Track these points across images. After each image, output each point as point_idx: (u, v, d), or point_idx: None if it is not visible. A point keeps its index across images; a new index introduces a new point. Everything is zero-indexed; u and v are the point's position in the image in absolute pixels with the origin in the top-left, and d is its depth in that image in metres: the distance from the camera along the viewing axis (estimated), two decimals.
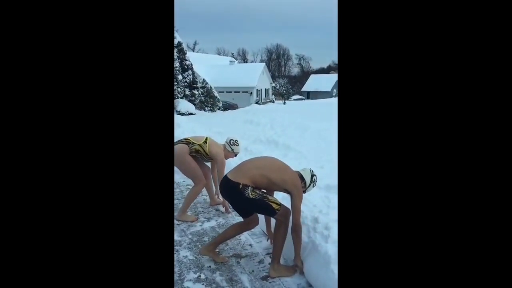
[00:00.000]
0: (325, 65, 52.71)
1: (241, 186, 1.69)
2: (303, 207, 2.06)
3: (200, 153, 2.48)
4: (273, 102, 26.58)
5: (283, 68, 52.58)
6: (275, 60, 52.31)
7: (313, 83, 37.59)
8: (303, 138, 5.16)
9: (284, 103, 24.25)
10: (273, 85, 30.85)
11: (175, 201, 2.76)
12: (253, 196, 1.69)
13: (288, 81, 36.01)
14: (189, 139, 2.49)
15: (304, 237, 1.78)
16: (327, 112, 9.38)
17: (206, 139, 2.50)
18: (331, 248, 1.58)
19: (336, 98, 25.63)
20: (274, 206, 1.71)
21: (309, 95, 35.67)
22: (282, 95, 30.87)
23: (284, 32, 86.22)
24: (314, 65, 59.36)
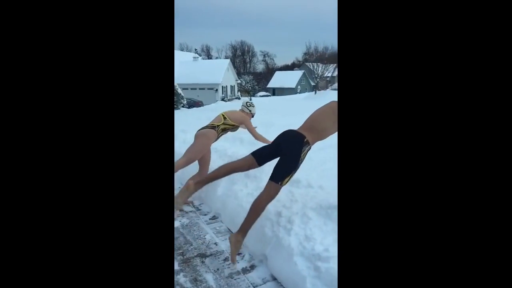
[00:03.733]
0: (289, 62, 53.77)
1: (305, 140, 1.71)
2: None
3: (227, 129, 2.66)
4: (239, 98, 26.54)
5: (248, 65, 52.67)
6: (240, 57, 52.23)
7: (278, 80, 38.14)
8: (268, 134, 5.17)
9: (250, 99, 24.31)
10: (239, 81, 30.76)
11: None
12: (302, 156, 1.70)
13: (253, 77, 36.08)
14: (213, 123, 2.60)
15: (268, 231, 1.80)
16: (291, 108, 9.57)
17: (223, 116, 2.64)
18: (294, 241, 1.62)
19: (301, 94, 26.24)
20: (288, 179, 1.71)
21: (274, 92, 36.16)
22: (248, 91, 30.91)
23: (247, 28, 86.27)
24: (279, 62, 60.30)
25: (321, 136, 1.83)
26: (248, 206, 2.13)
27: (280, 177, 1.69)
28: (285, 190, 2.30)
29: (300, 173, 2.59)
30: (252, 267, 1.77)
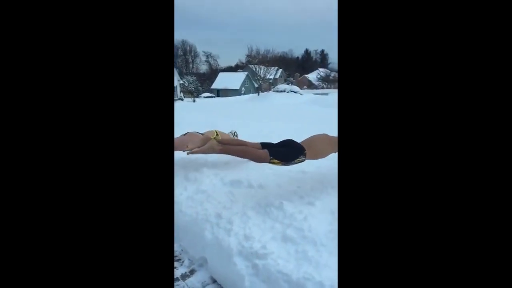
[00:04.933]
0: (232, 64, 54.09)
1: (304, 152, 1.98)
2: (207, 205, 2.06)
3: None
4: (182, 100, 25.73)
5: (191, 65, 51.42)
6: (182, 57, 50.65)
7: (222, 81, 38.06)
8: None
9: (194, 100, 23.78)
10: (181, 82, 29.83)
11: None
12: (296, 160, 1.98)
13: (197, 78, 35.37)
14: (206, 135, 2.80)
15: (207, 234, 1.78)
16: (235, 109, 9.65)
17: (216, 132, 3.00)
18: (233, 241, 1.63)
19: (244, 96, 26.56)
20: (277, 162, 1.96)
21: (219, 93, 35.98)
22: (191, 92, 30.19)
23: (188, 28, 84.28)
24: (222, 63, 60.23)
25: (315, 155, 2.13)
26: (188, 211, 2.08)
27: (273, 154, 1.97)
28: (226, 191, 2.31)
29: (241, 174, 2.62)
30: (192, 272, 1.73)
